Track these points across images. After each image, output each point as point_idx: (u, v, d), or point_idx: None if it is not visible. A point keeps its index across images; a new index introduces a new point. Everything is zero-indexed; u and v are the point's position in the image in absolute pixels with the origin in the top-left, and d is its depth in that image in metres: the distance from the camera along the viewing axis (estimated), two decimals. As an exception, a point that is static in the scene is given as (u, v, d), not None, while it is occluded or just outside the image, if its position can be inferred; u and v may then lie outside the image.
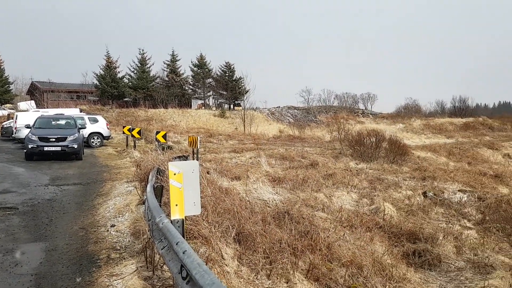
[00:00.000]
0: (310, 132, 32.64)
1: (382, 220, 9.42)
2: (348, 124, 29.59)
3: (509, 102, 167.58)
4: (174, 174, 3.74)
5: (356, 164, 16.38)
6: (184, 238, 3.60)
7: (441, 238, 8.46)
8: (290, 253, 4.89)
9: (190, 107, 49.33)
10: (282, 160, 15.43)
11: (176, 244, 3.23)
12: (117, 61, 48.64)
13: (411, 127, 32.62)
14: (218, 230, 5.04)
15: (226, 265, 4.35)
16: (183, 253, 3.03)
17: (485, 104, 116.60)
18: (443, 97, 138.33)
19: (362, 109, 57.30)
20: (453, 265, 7.48)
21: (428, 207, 11.19)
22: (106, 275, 4.54)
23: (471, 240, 8.84)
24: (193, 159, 12.18)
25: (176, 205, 3.76)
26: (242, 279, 4.09)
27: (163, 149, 13.35)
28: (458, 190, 13.02)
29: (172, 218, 3.80)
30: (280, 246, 5.02)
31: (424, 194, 12.18)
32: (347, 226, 8.56)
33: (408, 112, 42.13)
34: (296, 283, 4.32)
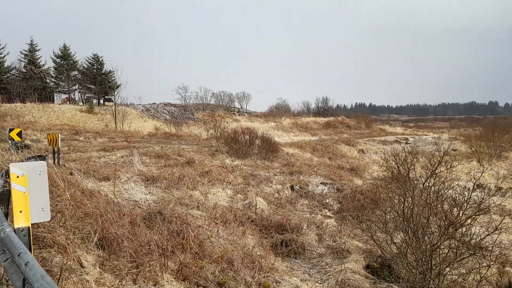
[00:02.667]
0: (187, 130, 32.40)
1: (254, 214, 9.80)
2: (224, 122, 30.18)
3: (364, 103, 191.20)
4: (17, 177, 3.27)
5: (232, 161, 16.77)
6: (30, 248, 3.18)
7: (305, 227, 9.16)
8: (159, 255, 4.73)
9: (53, 101, 44.58)
10: (157, 159, 14.97)
11: (18, 256, 2.84)
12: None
13: (282, 126, 34.83)
14: (77, 236, 4.60)
15: (86, 274, 3.99)
16: (25, 265, 2.69)
17: (344, 105, 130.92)
18: (309, 98, 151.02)
19: (238, 108, 59.08)
20: (315, 252, 8.16)
21: (295, 199, 12.04)
22: None
23: (331, 228, 9.76)
24: (54, 159, 11.00)
25: (21, 211, 3.30)
26: (105, 287, 3.80)
27: (18, 148, 11.79)
28: (321, 183, 14.30)
29: (16, 226, 3.32)
30: (149, 248, 4.81)
31: (292, 187, 13.06)
32: (221, 222, 8.68)
33: (279, 111, 44.98)
34: (164, 285, 4.19)
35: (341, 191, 13.41)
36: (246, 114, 47.10)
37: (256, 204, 10.45)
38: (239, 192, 11.78)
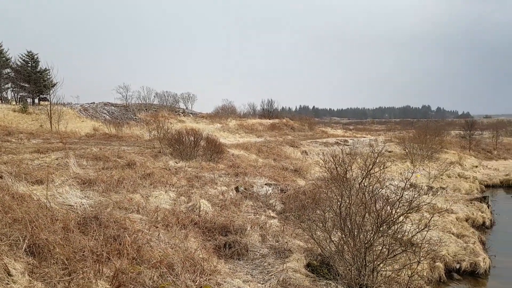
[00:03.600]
0: (129, 131, 31.33)
1: (197, 216, 9.68)
2: (169, 123, 29.57)
3: (308, 106, 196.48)
4: None
5: (176, 162, 16.46)
6: None
7: (249, 228, 9.20)
8: (94, 261, 4.52)
9: (-18, 100, 41.20)
10: (95, 161, 14.32)
11: None
12: None
13: (227, 127, 34.81)
14: (4, 243, 4.28)
15: (14, 282, 3.72)
16: None
17: (289, 108, 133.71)
18: (255, 100, 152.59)
19: (183, 109, 58.15)
20: (258, 252, 8.22)
21: (240, 200, 12.06)
22: None
23: (274, 229, 9.89)
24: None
25: None
26: (34, 297, 3.56)
27: None
28: (265, 184, 14.46)
29: None
30: (83, 254, 4.58)
31: (237, 189, 13.08)
32: (162, 225, 8.48)
33: (225, 112, 44.95)
34: (98, 293, 4.00)
35: (285, 192, 13.64)
36: (191, 115, 46.50)
37: (200, 206, 10.33)
38: (183, 195, 11.58)
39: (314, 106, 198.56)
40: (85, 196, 9.29)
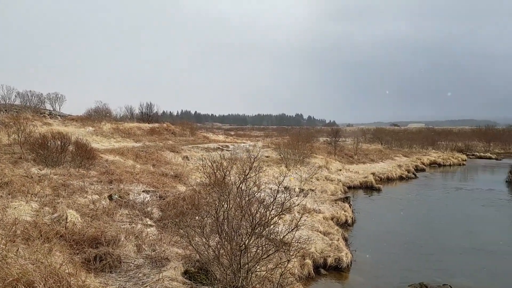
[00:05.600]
0: (-18, 134, 27.13)
1: (64, 228, 8.83)
2: (32, 125, 26.43)
3: (189, 111, 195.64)
4: None
5: (39, 169, 14.78)
6: None
7: (123, 239, 8.70)
8: None
9: None
10: None
11: None
12: None
13: (101, 131, 32.51)
14: None
15: None
16: None
17: (170, 112, 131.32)
18: (133, 103, 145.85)
19: (50, 110, 52.62)
20: (133, 263, 7.82)
21: (114, 209, 11.34)
22: None
23: (151, 237, 9.53)
24: None
25: None
26: None
27: None
28: (143, 191, 13.87)
29: None
30: None
31: (110, 197, 12.29)
32: (22, 240, 7.54)
33: (99, 115, 41.93)
34: None
35: (164, 199, 13.27)
36: (59, 117, 42.29)
37: (67, 217, 9.43)
38: (47, 205, 10.46)
39: (196, 111, 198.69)
40: None
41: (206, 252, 7.16)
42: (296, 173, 26.11)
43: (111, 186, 13.81)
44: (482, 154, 58.50)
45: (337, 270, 11.29)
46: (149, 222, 11.00)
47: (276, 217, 6.41)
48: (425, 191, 26.34)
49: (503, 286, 10.62)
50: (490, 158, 55.04)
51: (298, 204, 11.38)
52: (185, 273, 7.44)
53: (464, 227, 16.80)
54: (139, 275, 7.30)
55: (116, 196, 12.37)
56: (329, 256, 11.47)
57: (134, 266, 7.69)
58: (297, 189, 20.80)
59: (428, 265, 12.10)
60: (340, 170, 30.86)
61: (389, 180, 30.86)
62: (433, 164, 43.27)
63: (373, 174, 29.92)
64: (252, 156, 7.90)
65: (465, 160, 48.53)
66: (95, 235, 8.49)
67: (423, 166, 40.18)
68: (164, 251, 8.60)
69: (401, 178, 31.94)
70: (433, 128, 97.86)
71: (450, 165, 44.15)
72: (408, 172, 33.68)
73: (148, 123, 42.17)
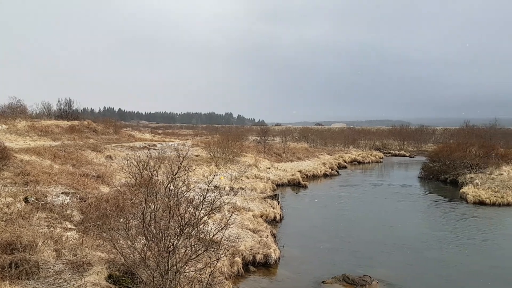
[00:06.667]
0: None
1: (-30, 236, 8.01)
2: None
3: (113, 108, 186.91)
4: None
5: None
6: None
7: (40, 244, 8.12)
8: None
9: None
10: None
11: None
12: None
13: (16, 129, 29.86)
14: None
15: None
16: None
17: (91, 109, 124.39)
18: (50, 99, 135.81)
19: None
20: (52, 269, 7.33)
21: (30, 213, 10.53)
22: None
23: (72, 241, 8.99)
24: None
25: None
26: None
27: None
28: (62, 193, 13.03)
29: None
30: None
31: (26, 199, 11.38)
32: None
33: (13, 112, 38.44)
34: None
35: (85, 201, 12.58)
36: (-35, 114, 38.11)
37: (-27, 223, 8.57)
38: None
39: (120, 108, 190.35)
40: None
41: (132, 255, 6.93)
42: (226, 172, 26.20)
43: (27, 188, 12.79)
44: (397, 152, 63.30)
45: (266, 266, 11.54)
46: (69, 226, 10.37)
47: (206, 217, 6.40)
48: (347, 188, 27.89)
49: (415, 274, 11.61)
50: (404, 155, 59.70)
51: (228, 203, 11.42)
52: (109, 277, 7.15)
53: (382, 221, 18.08)
54: (59, 281, 6.86)
55: (33, 199, 11.48)
56: (258, 253, 11.68)
57: (53, 272, 7.20)
58: (227, 188, 20.89)
59: (350, 257, 12.85)
60: (269, 168, 31.54)
61: (314, 177, 32.18)
62: (354, 162, 45.92)
63: (300, 172, 31.02)
64: (181, 155, 7.79)
65: (382, 158, 52.15)
66: (9, 240, 7.84)
67: (345, 163, 42.49)
68: (86, 255, 8.17)
69: (325, 175, 33.47)
70: (354, 127, 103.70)
71: (369, 163, 47.16)
72: (332, 170, 35.40)
73: (68, 121, 39.58)
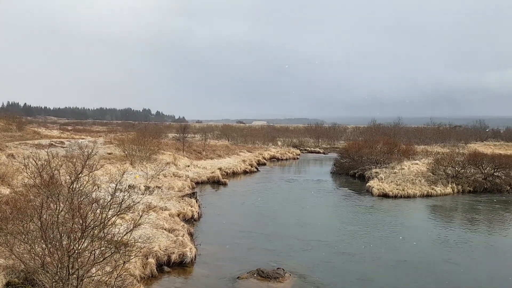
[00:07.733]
0: None
1: None
2: None
3: (18, 103, 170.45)
4: None
5: None
6: None
7: None
8: None
9: None
10: None
11: None
12: None
13: None
14: None
15: None
16: None
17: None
18: None
19: None
20: None
21: None
22: None
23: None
24: None
25: None
26: None
27: None
28: (-50, 196, 11.59)
29: None
30: None
31: None
32: None
33: None
34: None
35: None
36: None
37: None
38: None
39: (26, 104, 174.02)
40: None
41: (32, 261, 6.41)
42: (142, 170, 25.35)
43: None
44: (312, 149, 66.28)
45: (182, 265, 11.41)
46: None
47: (114, 218, 6.13)
48: (266, 184, 28.59)
49: (326, 266, 12.29)
50: (318, 152, 62.70)
51: (140, 202, 11.06)
52: (8, 285, 6.56)
53: (297, 216, 18.84)
54: None
55: None
56: (173, 252, 11.49)
57: None
58: (142, 187, 20.24)
59: (266, 252, 13.21)
60: (189, 166, 31.14)
61: (234, 174, 32.47)
62: (273, 158, 47.22)
63: (220, 169, 31.07)
64: (86, 153, 7.35)
65: (299, 155, 54.30)
66: None
67: (265, 160, 43.48)
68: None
69: (245, 172, 33.94)
70: (274, 125, 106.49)
71: (287, 159, 48.81)
72: (251, 167, 36.00)
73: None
